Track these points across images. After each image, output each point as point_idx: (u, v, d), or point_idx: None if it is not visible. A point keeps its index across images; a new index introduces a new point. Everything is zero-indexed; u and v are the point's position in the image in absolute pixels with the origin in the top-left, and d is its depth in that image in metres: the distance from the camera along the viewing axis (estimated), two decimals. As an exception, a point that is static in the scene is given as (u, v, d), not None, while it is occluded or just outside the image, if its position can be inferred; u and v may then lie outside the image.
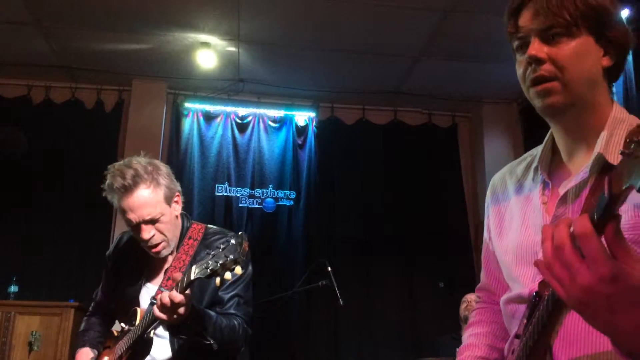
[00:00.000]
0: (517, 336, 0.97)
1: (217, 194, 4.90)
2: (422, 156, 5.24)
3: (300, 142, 5.14)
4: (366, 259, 4.87)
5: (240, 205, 4.91)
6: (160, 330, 1.78)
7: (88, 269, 4.43)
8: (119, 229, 4.18)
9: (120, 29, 4.29)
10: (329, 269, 3.46)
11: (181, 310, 1.55)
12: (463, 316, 3.82)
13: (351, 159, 5.12)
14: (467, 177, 5.35)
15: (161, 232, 1.78)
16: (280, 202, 4.96)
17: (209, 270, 1.49)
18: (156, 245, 1.79)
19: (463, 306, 3.86)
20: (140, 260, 1.89)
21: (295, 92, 5.11)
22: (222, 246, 1.51)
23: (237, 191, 4.94)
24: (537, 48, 0.96)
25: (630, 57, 3.26)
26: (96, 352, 1.95)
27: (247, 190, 4.95)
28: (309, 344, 4.59)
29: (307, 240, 4.86)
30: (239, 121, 5.10)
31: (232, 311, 1.78)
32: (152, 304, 1.75)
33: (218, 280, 1.51)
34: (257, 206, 4.93)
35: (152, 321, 1.68)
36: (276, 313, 4.44)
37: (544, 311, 0.85)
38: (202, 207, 4.83)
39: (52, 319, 3.86)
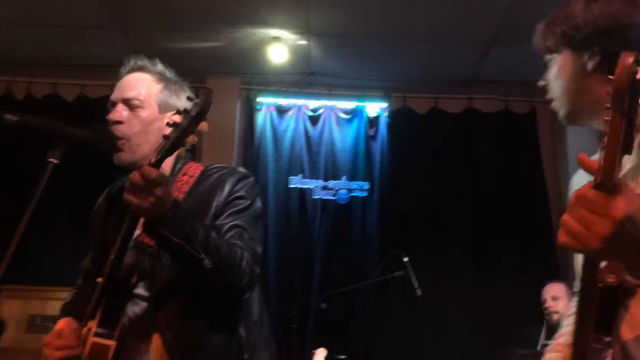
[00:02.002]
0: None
1: (290, 186, 4.98)
2: (499, 144, 5.09)
3: (372, 133, 5.12)
4: (441, 249, 4.81)
5: (314, 197, 4.97)
6: (141, 289, 1.51)
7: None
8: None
9: (193, 28, 4.43)
10: (406, 259, 3.44)
11: (158, 191, 1.26)
12: (546, 307, 3.72)
13: (424, 149, 5.06)
14: (548, 166, 5.14)
15: (129, 126, 1.54)
16: (353, 194, 4.98)
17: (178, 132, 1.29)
18: (117, 138, 1.54)
19: (547, 296, 3.75)
20: (126, 210, 1.56)
21: (366, 83, 5.10)
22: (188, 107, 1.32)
23: (310, 183, 5.00)
24: None
25: None
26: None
27: (321, 182, 4.99)
28: (386, 335, 4.59)
29: (381, 230, 4.86)
30: (311, 114, 5.15)
31: (231, 240, 1.48)
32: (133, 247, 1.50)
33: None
34: (330, 197, 4.97)
35: (128, 231, 1.41)
36: (352, 304, 4.47)
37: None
38: (276, 199, 4.93)
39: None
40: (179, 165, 1.63)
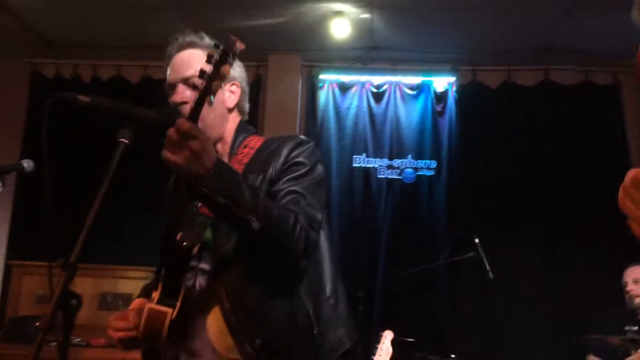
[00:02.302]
0: None
1: (354, 165, 4.97)
2: (578, 119, 4.87)
3: (439, 109, 5.02)
4: (513, 231, 4.69)
5: (378, 176, 4.93)
6: (205, 261, 1.53)
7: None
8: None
9: (254, 5, 4.46)
10: (477, 240, 3.37)
11: (194, 145, 1.23)
12: (628, 290, 3.60)
13: (496, 125, 4.90)
14: (634, 142, 4.88)
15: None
16: (420, 172, 4.91)
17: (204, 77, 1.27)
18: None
19: (628, 279, 3.62)
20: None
21: (432, 57, 4.98)
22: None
23: (375, 162, 4.96)
24: None
25: None
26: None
27: (386, 160, 4.95)
28: (456, 317, 4.54)
29: (449, 211, 4.78)
30: (375, 90, 5.10)
31: (287, 205, 1.46)
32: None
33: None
34: (396, 177, 4.92)
35: (176, 196, 1.44)
36: (420, 285, 4.44)
37: None
38: (340, 179, 4.93)
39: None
40: (240, 138, 1.64)
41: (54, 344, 1.17)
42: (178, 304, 1.44)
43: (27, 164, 3.14)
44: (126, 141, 1.32)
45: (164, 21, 4.68)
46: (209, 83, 1.27)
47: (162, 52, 1.69)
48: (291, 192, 1.48)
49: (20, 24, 4.81)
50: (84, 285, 4.36)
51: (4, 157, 4.77)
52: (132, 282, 4.38)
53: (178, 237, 1.49)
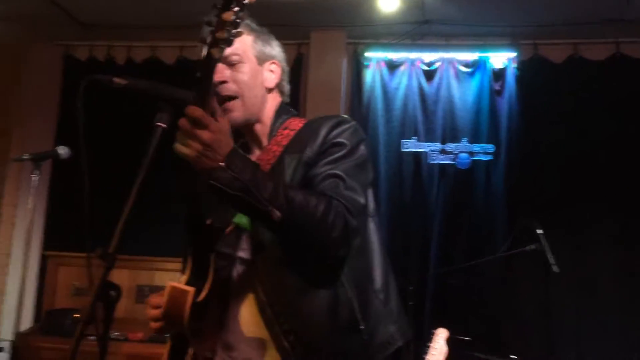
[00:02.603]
0: None
1: (404, 149, 4.93)
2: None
3: (497, 88, 4.92)
4: (580, 220, 4.58)
5: (430, 161, 4.89)
6: (243, 251, 1.55)
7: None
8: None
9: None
10: (540, 231, 3.31)
11: (205, 135, 1.25)
12: None
13: (561, 104, 4.77)
14: None
15: (235, 83, 1.60)
16: (476, 157, 4.83)
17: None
18: (224, 98, 1.59)
19: None
20: None
21: (490, 31, 4.88)
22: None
23: (426, 146, 4.92)
24: None
25: None
26: None
27: (438, 145, 4.90)
28: (515, 316, 4.48)
29: (508, 199, 4.69)
30: (426, 68, 5.03)
31: (322, 190, 1.44)
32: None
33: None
34: (449, 162, 4.86)
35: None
36: (476, 280, 4.39)
37: None
38: (388, 164, 4.91)
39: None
40: (280, 120, 1.66)
41: (93, 337, 1.20)
42: (208, 285, 1.49)
43: (63, 150, 3.25)
44: (164, 125, 1.34)
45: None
46: (213, 36, 1.23)
47: (198, 32, 1.71)
48: (329, 175, 1.47)
49: (52, 6, 4.95)
50: (120, 277, 4.49)
51: (39, 141, 4.95)
52: (169, 274, 4.49)
53: (208, 220, 1.53)
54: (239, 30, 1.24)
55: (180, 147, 1.27)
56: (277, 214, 1.31)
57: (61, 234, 5.00)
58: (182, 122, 1.26)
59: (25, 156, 3.23)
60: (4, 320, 4.94)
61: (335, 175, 1.47)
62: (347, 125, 1.57)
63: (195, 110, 1.24)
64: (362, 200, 1.48)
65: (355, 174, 1.49)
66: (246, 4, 1.24)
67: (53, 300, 4.86)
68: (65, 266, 4.86)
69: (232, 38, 1.23)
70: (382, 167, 4.86)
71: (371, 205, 1.63)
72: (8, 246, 5.15)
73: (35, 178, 3.19)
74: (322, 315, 1.46)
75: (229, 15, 1.21)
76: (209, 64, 1.25)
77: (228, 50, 1.55)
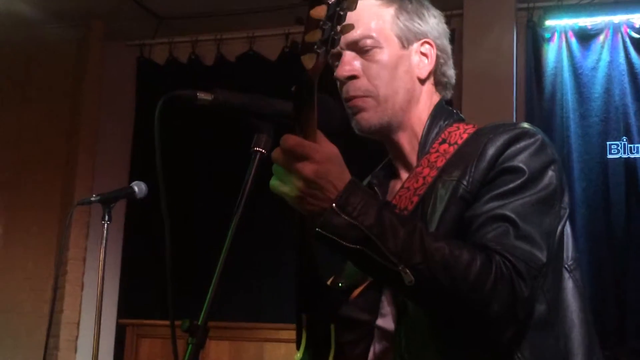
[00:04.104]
0: None
1: (609, 156, 4.82)
2: None
3: None
4: None
5: (650, 172, 4.75)
6: (383, 319, 1.55)
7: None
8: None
9: None
10: None
11: (306, 170, 1.25)
12: None
13: None
14: None
15: (369, 78, 1.60)
16: None
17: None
18: (353, 97, 1.60)
19: None
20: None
21: None
22: None
23: (643, 151, 4.78)
24: None
25: None
26: None
27: (662, 147, 4.74)
28: None
29: None
30: (637, 36, 4.88)
31: (482, 240, 1.38)
32: None
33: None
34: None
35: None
36: None
37: None
38: (584, 175, 4.82)
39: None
40: (435, 129, 1.64)
41: None
42: None
43: (139, 187, 3.47)
44: (263, 150, 1.37)
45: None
46: (302, 40, 1.21)
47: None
48: (495, 217, 1.41)
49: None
50: (220, 351, 4.66)
51: (110, 174, 5.30)
52: (283, 346, 4.60)
53: (330, 279, 1.56)
54: (344, 24, 1.21)
55: (276, 185, 1.30)
56: (410, 276, 1.28)
57: (141, 297, 5.30)
58: (276, 154, 1.28)
59: (94, 198, 3.42)
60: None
61: (504, 218, 1.40)
62: (527, 142, 1.49)
63: (288, 139, 1.25)
64: (541, 255, 1.39)
65: (534, 215, 1.42)
66: None
67: (135, 378, 5.11)
68: (147, 338, 5.09)
69: (336, 37, 1.21)
70: (576, 180, 4.79)
71: (569, 252, 1.56)
72: (76, 313, 5.54)
73: (106, 225, 3.40)
74: None
75: (319, 12, 1.17)
76: (303, 78, 1.25)
77: (358, 32, 1.57)
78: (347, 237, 1.29)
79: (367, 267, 1.37)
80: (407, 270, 1.28)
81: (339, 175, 1.30)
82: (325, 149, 1.29)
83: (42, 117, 5.86)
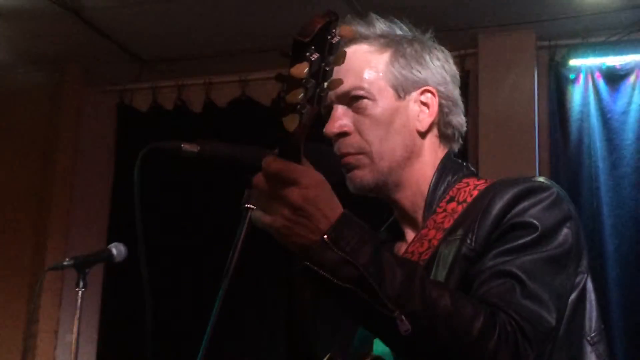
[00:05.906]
0: None
1: (647, 213, 4.80)
2: None
3: None
4: None
5: None
6: None
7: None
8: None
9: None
10: None
11: (293, 196, 1.22)
12: None
13: None
14: None
15: (361, 134, 1.61)
16: None
17: None
18: (346, 154, 1.62)
19: None
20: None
21: None
22: None
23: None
24: None
25: None
26: None
27: None
28: None
29: None
30: (673, 78, 4.93)
31: (485, 296, 1.38)
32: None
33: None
34: None
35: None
36: None
37: None
38: (617, 232, 4.79)
39: None
40: (442, 186, 1.65)
41: None
42: None
43: (117, 249, 3.46)
44: (254, 208, 1.37)
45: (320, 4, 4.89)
46: (282, 100, 1.22)
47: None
48: (501, 273, 1.40)
49: (102, 39, 5.35)
50: None
51: (91, 222, 5.33)
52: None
53: (328, 356, 1.56)
54: (332, 79, 1.23)
55: (259, 216, 1.27)
56: (406, 324, 1.25)
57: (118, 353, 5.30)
58: (258, 179, 1.25)
59: (67, 262, 3.39)
60: None
61: (510, 274, 1.39)
62: (540, 196, 1.50)
63: (272, 163, 1.22)
64: (550, 318, 1.38)
65: (544, 274, 1.42)
66: (334, 44, 1.21)
67: None
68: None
69: (322, 94, 1.22)
70: (608, 242, 4.76)
71: (592, 323, 1.54)
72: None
73: (80, 293, 3.37)
74: None
75: (300, 70, 1.18)
76: (286, 141, 1.24)
77: (348, 84, 1.59)
78: (338, 274, 1.26)
79: (356, 311, 1.34)
80: (404, 318, 1.25)
81: (329, 203, 1.28)
82: (313, 173, 1.27)
83: (11, 170, 5.85)
